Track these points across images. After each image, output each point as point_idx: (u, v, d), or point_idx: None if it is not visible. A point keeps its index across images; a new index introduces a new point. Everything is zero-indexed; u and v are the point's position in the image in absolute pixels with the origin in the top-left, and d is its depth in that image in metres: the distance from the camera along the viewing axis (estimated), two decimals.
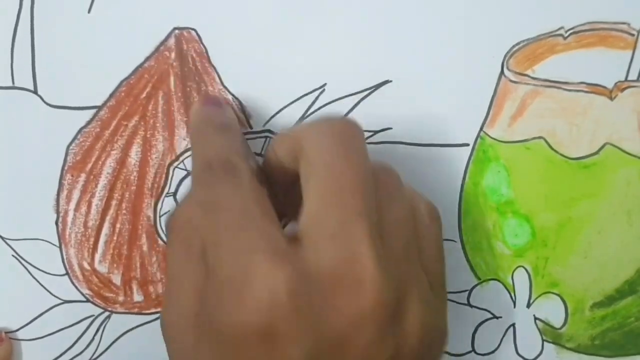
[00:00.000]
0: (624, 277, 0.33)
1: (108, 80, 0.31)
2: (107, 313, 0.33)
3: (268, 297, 0.22)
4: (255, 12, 0.30)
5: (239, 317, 0.23)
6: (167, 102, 0.31)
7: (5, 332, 0.33)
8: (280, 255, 0.23)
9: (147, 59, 0.31)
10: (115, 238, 0.32)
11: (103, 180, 0.32)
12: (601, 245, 0.32)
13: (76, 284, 0.33)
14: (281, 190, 0.28)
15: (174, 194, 0.32)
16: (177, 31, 0.30)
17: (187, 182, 0.32)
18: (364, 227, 0.23)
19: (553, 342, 0.34)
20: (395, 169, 0.32)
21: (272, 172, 0.28)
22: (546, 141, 0.31)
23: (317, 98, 0.31)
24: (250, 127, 0.31)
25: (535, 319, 0.33)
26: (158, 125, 0.31)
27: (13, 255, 0.32)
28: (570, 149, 0.31)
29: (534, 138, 0.31)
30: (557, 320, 0.33)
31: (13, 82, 0.31)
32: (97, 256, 0.32)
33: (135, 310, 0.33)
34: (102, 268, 0.33)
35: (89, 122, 0.31)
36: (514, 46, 0.31)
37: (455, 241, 0.33)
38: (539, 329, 0.34)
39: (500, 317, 0.34)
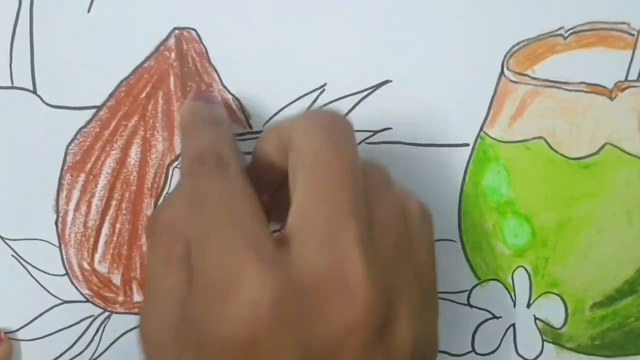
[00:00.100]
0: (624, 277, 0.33)
1: (108, 80, 0.31)
2: (107, 313, 0.33)
3: (253, 307, 0.21)
4: (255, 12, 0.30)
5: (222, 326, 0.22)
6: (166, 102, 0.31)
7: (5, 332, 0.33)
8: (266, 260, 0.22)
9: (147, 58, 0.31)
10: (115, 238, 0.32)
11: (103, 180, 0.32)
12: (601, 245, 0.32)
13: (76, 284, 0.33)
14: (268, 192, 0.27)
15: None
16: (177, 31, 0.30)
17: None
18: (353, 229, 0.22)
19: (553, 342, 0.34)
20: (394, 168, 0.32)
21: (260, 170, 0.27)
22: (546, 141, 0.31)
23: (317, 98, 0.31)
24: (250, 127, 0.31)
25: (535, 319, 0.33)
26: (158, 125, 0.31)
27: (13, 256, 0.32)
28: (570, 149, 0.31)
29: (534, 138, 0.31)
30: (557, 320, 0.33)
31: (12, 82, 0.31)
32: (97, 256, 0.32)
33: (135, 310, 0.33)
34: (102, 268, 0.33)
35: (88, 122, 0.31)
36: (514, 46, 0.31)
37: (455, 241, 0.33)
38: (539, 329, 0.34)
39: (500, 317, 0.34)
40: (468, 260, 0.33)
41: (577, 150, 0.31)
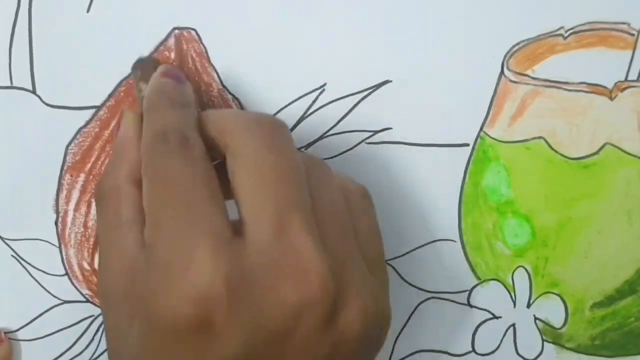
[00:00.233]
0: (624, 277, 0.33)
1: (107, 80, 0.31)
2: None
3: (205, 286, 0.22)
4: (255, 12, 0.30)
5: (170, 304, 0.22)
6: None
7: (5, 332, 0.33)
8: (221, 243, 0.23)
9: None
10: None
11: None
12: (601, 245, 0.32)
13: (76, 284, 0.33)
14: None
15: None
16: (177, 31, 0.30)
17: None
18: (300, 218, 0.23)
19: (553, 342, 0.34)
20: (394, 168, 0.32)
21: None
22: (546, 141, 0.31)
23: (317, 98, 0.31)
24: None
25: (535, 319, 0.33)
26: None
27: (13, 256, 0.32)
28: (570, 149, 0.31)
29: (534, 138, 0.31)
30: (557, 320, 0.33)
31: (11, 82, 0.31)
32: (97, 256, 0.32)
33: None
34: None
35: (88, 122, 0.31)
36: (514, 46, 0.31)
37: (455, 241, 0.33)
38: (539, 329, 0.34)
39: (500, 317, 0.34)
40: (468, 260, 0.33)
41: (577, 150, 0.31)
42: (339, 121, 0.31)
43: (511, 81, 0.31)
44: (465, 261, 0.33)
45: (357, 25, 0.30)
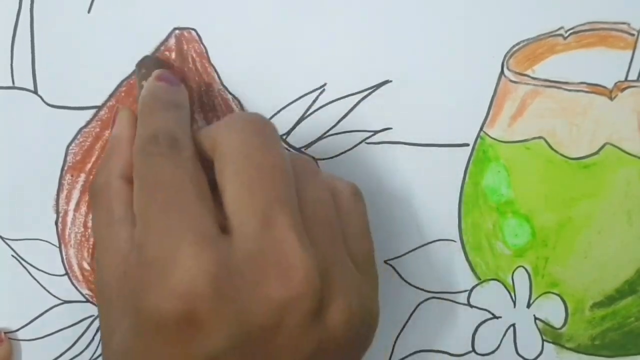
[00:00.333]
0: (624, 277, 0.33)
1: (108, 80, 0.31)
2: None
3: (190, 283, 0.22)
4: (255, 12, 0.30)
5: (158, 301, 0.23)
6: None
7: (5, 332, 0.33)
8: (207, 242, 0.23)
9: None
10: None
11: None
12: (601, 245, 0.32)
13: (76, 284, 0.33)
14: None
15: None
16: (177, 31, 0.30)
17: None
18: (286, 214, 0.24)
19: (553, 342, 0.34)
20: (394, 168, 0.32)
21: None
22: (546, 141, 0.31)
23: (317, 98, 0.31)
24: None
25: (535, 319, 0.33)
26: None
27: (13, 256, 0.32)
28: (570, 149, 0.31)
29: (534, 138, 0.31)
30: (557, 320, 0.33)
31: (13, 82, 0.31)
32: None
33: None
34: None
35: (88, 122, 0.31)
36: (514, 46, 0.31)
37: (455, 241, 0.33)
38: (539, 329, 0.34)
39: (500, 317, 0.34)
40: (468, 260, 0.33)
41: (577, 150, 0.31)
42: (339, 121, 0.31)
43: (511, 81, 0.31)
44: (465, 261, 0.33)
45: (357, 25, 0.30)
